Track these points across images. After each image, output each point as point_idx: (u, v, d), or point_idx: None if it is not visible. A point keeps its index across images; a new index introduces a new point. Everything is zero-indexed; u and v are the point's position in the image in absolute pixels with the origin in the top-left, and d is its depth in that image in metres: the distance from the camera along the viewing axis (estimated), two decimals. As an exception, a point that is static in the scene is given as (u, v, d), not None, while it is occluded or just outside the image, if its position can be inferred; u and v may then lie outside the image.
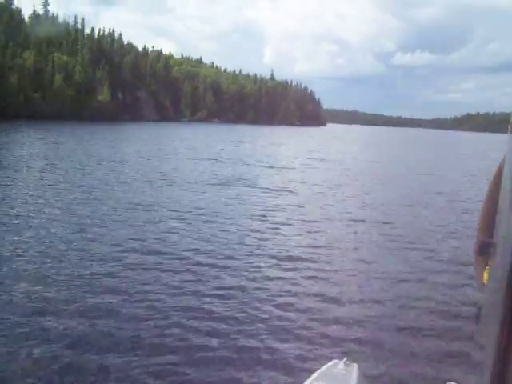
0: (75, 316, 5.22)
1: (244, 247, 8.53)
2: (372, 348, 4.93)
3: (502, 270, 0.76)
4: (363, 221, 11.33)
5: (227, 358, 4.57)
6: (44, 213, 10.26)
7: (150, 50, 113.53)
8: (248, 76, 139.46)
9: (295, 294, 6.33)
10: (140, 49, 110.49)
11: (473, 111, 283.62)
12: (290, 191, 15.42)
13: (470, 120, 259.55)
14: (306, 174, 20.56)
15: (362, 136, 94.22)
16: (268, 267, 7.47)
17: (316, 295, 6.36)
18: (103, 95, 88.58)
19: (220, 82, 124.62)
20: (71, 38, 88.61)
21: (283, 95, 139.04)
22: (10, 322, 4.96)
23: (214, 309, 5.67)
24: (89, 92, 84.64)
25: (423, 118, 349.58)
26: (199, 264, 7.36)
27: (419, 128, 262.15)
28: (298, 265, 7.67)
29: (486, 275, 1.12)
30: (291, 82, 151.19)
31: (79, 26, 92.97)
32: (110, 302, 5.63)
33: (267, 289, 6.49)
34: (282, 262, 7.72)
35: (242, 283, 6.61)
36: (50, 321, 5.05)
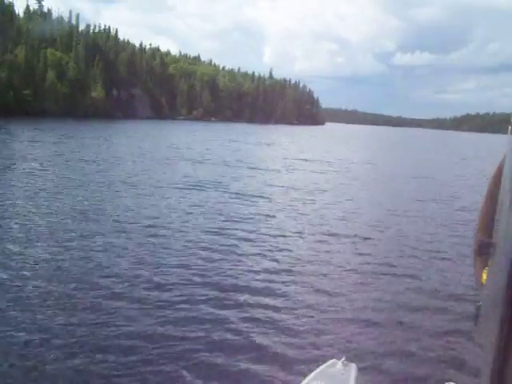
0: None
1: (184, 274, 6.92)
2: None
3: (502, 270, 0.76)
4: (337, 235, 9.71)
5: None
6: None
7: (148, 47, 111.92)
8: (246, 74, 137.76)
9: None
10: (137, 46, 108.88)
11: (472, 111, 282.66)
12: (264, 197, 13.83)
13: (469, 120, 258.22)
14: (288, 176, 18.98)
15: (360, 136, 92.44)
16: (203, 302, 5.87)
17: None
18: (97, 92, 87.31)
19: (217, 80, 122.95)
20: (65, 33, 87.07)
21: (281, 94, 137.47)
22: None
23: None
24: (82, 89, 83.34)
25: (423, 117, 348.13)
26: (116, 298, 5.77)
27: (418, 128, 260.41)
28: (245, 301, 6.05)
29: (484, 275, 1.11)
30: (289, 80, 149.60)
31: (74, 21, 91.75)
32: None
33: (190, 339, 4.93)
34: (224, 296, 6.11)
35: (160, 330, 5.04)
36: None
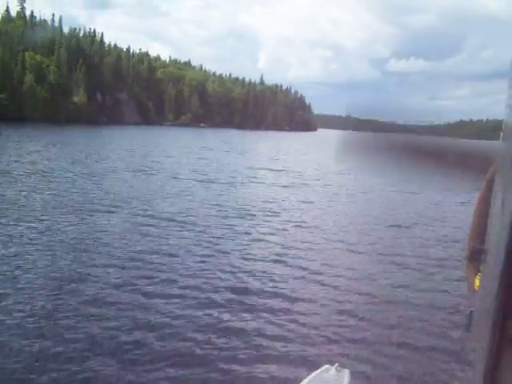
0: None
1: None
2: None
3: (494, 277, 0.76)
4: (259, 278, 7.18)
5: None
6: None
7: (137, 52, 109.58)
8: (237, 80, 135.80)
9: None
10: (124, 50, 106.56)
11: (466, 118, 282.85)
12: (188, 223, 10.85)
13: (463, 127, 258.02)
14: (236, 192, 16.12)
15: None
16: None
17: None
18: (79, 97, 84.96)
19: (206, 86, 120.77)
20: (48, 37, 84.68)
21: (272, 100, 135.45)
22: None
23: None
24: (64, 93, 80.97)
25: (416, 124, 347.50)
26: None
27: (411, 134, 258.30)
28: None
29: (477, 282, 1.12)
30: (281, 86, 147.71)
31: (58, 25, 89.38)
32: None
33: None
34: None
35: None
36: None
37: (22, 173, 16.52)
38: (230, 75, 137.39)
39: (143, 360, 4.53)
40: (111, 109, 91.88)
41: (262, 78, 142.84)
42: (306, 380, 3.03)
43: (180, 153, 30.39)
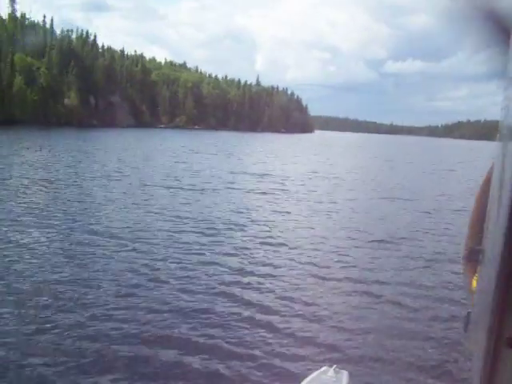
0: None
1: None
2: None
3: (490, 277, 0.76)
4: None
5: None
6: None
7: (132, 54, 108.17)
8: (232, 81, 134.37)
9: None
10: (118, 52, 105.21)
11: (464, 119, 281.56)
12: (129, 240, 9.06)
13: (460, 128, 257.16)
14: (204, 200, 14.17)
15: (343, 143, 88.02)
16: None
17: None
18: (70, 99, 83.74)
19: (201, 87, 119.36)
20: (38, 39, 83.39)
21: (268, 101, 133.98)
22: None
23: None
24: (55, 96, 79.77)
25: (415, 125, 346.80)
26: None
27: (409, 135, 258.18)
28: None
29: (475, 282, 1.12)
30: (277, 87, 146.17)
31: (48, 26, 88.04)
32: None
33: None
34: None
35: None
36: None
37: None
38: (225, 77, 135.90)
39: None
40: (104, 111, 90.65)
41: (257, 80, 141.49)
42: (304, 382, 3.02)
43: (160, 156, 28.71)
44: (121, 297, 6.28)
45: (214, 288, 6.85)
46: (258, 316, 5.94)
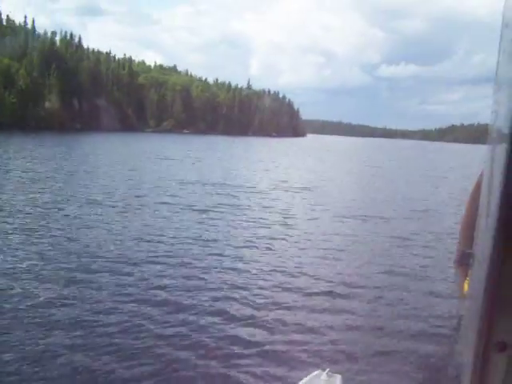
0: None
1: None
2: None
3: (480, 281, 0.77)
4: None
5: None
6: None
7: (121, 57, 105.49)
8: (223, 84, 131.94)
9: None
10: (104, 54, 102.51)
11: (457, 122, 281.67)
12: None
13: (454, 131, 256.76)
14: (131, 220, 10.93)
15: (333, 147, 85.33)
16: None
17: None
18: (51, 103, 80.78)
19: (190, 90, 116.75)
20: (19, 40, 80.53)
21: (259, 105, 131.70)
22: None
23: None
24: (35, 99, 76.78)
25: (408, 128, 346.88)
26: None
27: (402, 139, 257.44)
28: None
29: (466, 286, 1.09)
30: (268, 91, 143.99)
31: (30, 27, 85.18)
32: None
33: None
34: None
35: None
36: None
37: None
38: (216, 80, 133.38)
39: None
40: (88, 115, 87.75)
41: (248, 83, 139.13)
42: None
43: (118, 162, 25.79)
44: None
45: None
46: None
